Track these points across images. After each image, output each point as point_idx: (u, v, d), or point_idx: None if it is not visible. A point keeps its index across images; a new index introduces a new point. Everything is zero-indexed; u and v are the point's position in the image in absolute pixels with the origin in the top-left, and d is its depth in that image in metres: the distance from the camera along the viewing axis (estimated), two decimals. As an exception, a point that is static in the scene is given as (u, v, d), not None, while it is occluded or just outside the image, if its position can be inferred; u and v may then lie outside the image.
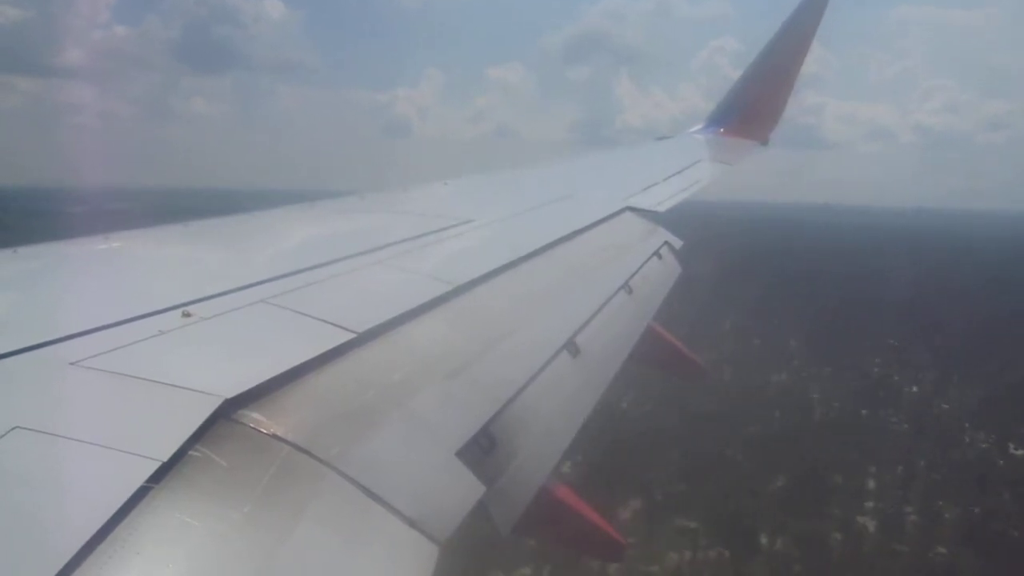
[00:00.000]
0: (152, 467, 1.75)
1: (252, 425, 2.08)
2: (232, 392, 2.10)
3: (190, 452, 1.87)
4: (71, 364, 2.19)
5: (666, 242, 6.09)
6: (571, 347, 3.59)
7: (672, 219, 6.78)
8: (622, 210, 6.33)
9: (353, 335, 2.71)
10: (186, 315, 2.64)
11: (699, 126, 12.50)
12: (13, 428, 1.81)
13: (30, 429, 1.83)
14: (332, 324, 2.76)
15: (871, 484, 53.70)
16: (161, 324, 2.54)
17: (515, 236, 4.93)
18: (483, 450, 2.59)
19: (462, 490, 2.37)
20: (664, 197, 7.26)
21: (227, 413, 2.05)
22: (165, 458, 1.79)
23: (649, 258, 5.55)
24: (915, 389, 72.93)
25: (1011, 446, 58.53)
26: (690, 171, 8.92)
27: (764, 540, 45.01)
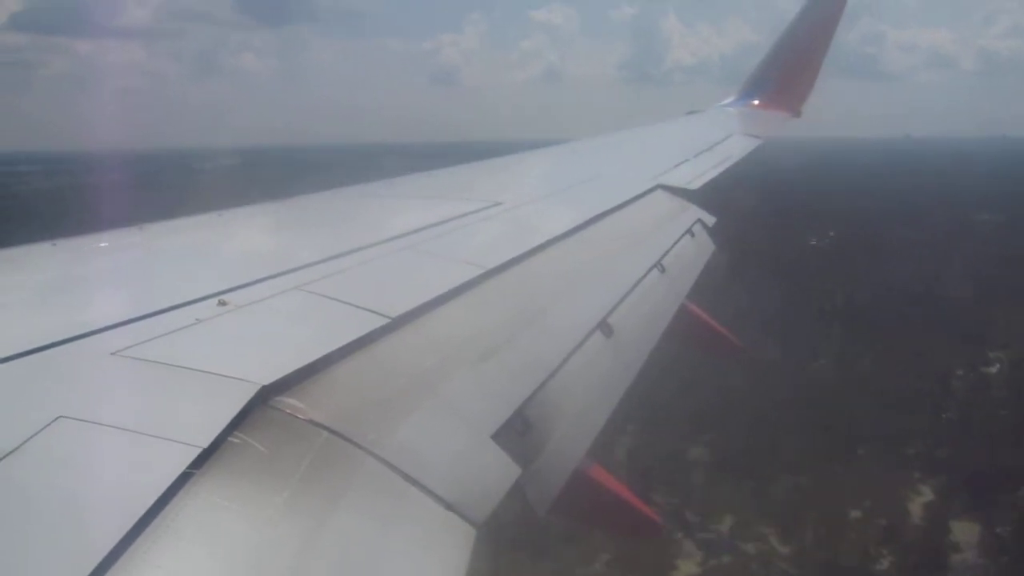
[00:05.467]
0: (193, 453, 1.78)
1: (289, 411, 2.10)
2: (269, 379, 2.12)
3: (229, 439, 1.89)
4: (112, 354, 2.23)
5: (699, 219, 6.02)
6: (604, 328, 3.58)
7: (708, 194, 6.72)
8: (653, 188, 6.27)
9: (387, 320, 2.72)
10: (222, 303, 2.67)
11: (731, 99, 12.33)
12: (57, 418, 1.85)
13: (74, 418, 1.87)
14: (365, 310, 2.78)
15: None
16: (198, 313, 2.58)
17: (545, 217, 4.91)
18: (518, 432, 2.59)
19: (498, 472, 2.38)
20: (696, 174, 7.18)
21: (265, 400, 2.07)
22: (205, 445, 1.81)
23: (681, 236, 5.50)
24: None
25: None
26: (722, 146, 8.81)
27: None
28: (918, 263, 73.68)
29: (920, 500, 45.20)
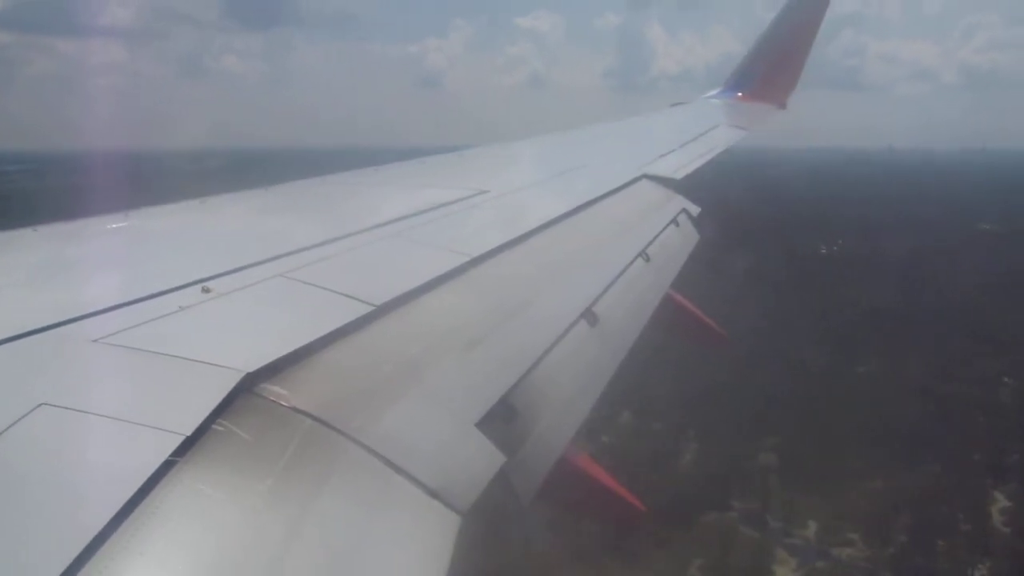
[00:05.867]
0: (176, 441, 1.77)
1: (273, 398, 2.09)
2: (253, 366, 2.11)
3: (213, 426, 1.88)
4: (93, 341, 2.21)
5: (684, 209, 6.04)
6: (589, 316, 3.58)
7: (693, 184, 6.74)
8: (639, 178, 6.28)
9: (371, 308, 2.71)
10: (206, 291, 2.66)
11: (716, 91, 12.35)
12: (39, 405, 1.84)
13: (56, 406, 1.85)
14: (349, 297, 2.77)
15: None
16: (181, 300, 2.56)
17: (531, 206, 4.91)
18: (503, 420, 2.60)
19: (483, 460, 2.38)
20: (681, 164, 7.20)
21: (248, 387, 2.07)
22: (189, 432, 1.81)
23: (667, 226, 5.51)
24: None
25: None
26: (707, 137, 8.83)
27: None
28: (934, 271, 73.33)
29: (997, 506, 44.54)
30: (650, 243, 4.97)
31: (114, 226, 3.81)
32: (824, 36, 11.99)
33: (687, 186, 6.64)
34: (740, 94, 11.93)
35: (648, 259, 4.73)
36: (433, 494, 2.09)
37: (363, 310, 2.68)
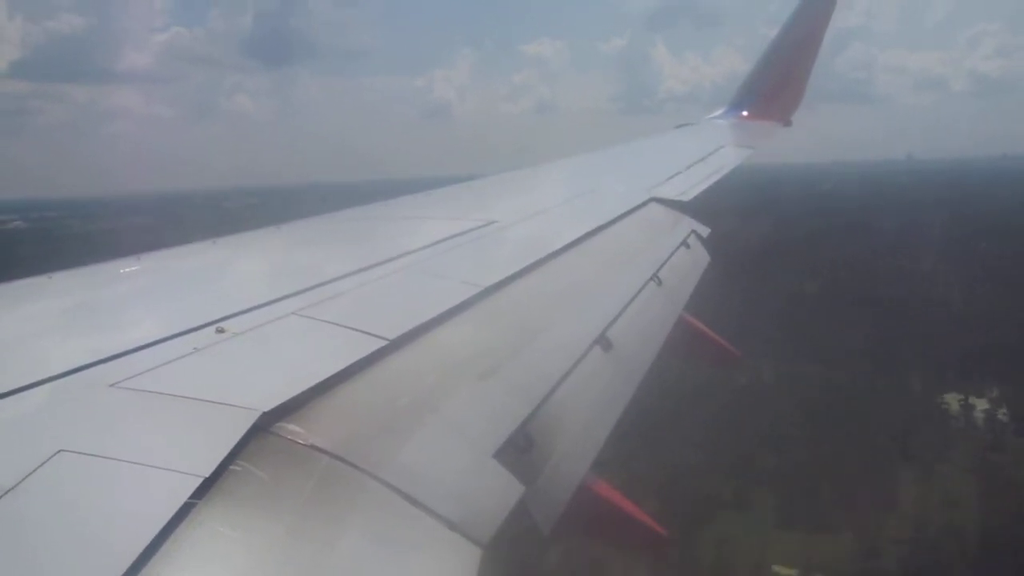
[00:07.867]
0: (195, 483, 1.77)
1: (290, 437, 2.10)
2: (269, 405, 2.12)
3: (231, 467, 1.89)
4: (110, 386, 2.23)
5: (693, 231, 6.04)
6: (603, 342, 3.58)
7: (698, 206, 6.71)
8: (647, 201, 6.29)
9: (385, 342, 2.72)
10: (220, 331, 2.67)
11: (720, 111, 12.39)
12: (58, 452, 1.85)
13: (74, 452, 1.86)
14: (363, 332, 2.78)
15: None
16: (196, 341, 2.58)
17: (540, 234, 4.92)
18: (520, 450, 2.59)
19: (501, 491, 2.37)
20: (688, 186, 7.21)
21: (265, 426, 2.07)
22: (207, 474, 1.81)
23: (677, 248, 5.51)
24: None
25: None
26: (713, 158, 8.84)
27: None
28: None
29: None
30: (661, 266, 4.96)
31: (127, 270, 3.85)
32: (832, 49, 11.96)
33: (696, 207, 6.64)
34: (745, 113, 11.96)
35: (660, 283, 4.72)
36: (453, 527, 2.08)
37: (377, 345, 2.69)
